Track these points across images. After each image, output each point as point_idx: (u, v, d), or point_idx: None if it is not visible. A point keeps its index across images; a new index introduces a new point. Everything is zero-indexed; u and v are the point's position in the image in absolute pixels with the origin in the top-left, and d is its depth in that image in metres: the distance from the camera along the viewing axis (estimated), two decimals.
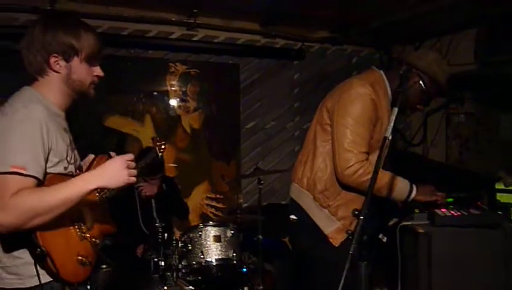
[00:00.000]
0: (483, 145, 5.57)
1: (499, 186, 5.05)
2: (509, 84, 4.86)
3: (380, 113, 2.84)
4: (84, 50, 2.19)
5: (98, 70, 2.34)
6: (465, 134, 5.76)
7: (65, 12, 2.47)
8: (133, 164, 2.15)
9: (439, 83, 2.91)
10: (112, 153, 2.40)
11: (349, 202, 2.84)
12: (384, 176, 2.74)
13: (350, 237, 1.98)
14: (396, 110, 2.20)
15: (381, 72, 2.99)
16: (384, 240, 2.80)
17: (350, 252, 1.93)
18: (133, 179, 2.12)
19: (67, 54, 2.14)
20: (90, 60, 2.25)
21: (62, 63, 2.14)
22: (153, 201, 4.46)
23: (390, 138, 2.14)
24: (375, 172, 2.13)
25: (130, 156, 2.18)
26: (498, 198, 4.77)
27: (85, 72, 2.24)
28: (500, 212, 2.85)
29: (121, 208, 4.32)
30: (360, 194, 2.81)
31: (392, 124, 2.15)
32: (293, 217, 2.98)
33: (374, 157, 2.79)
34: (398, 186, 2.78)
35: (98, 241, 2.22)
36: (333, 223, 2.84)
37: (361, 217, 1.99)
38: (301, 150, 3.13)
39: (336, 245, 2.82)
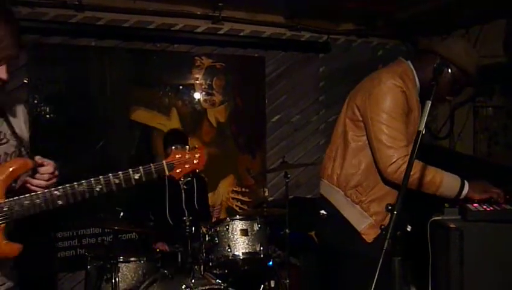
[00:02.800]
0: (511, 138, 5.50)
1: None
2: None
3: (411, 104, 2.79)
4: None
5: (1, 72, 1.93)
6: (493, 127, 5.68)
7: None
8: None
9: (469, 73, 2.83)
10: (37, 158, 2.15)
11: (381, 197, 2.79)
12: (429, 172, 2.68)
13: (383, 233, 1.96)
14: (429, 103, 2.16)
15: (409, 62, 2.93)
16: (409, 229, 2.76)
17: (384, 248, 1.90)
18: None
19: None
20: None
21: None
22: (183, 193, 4.47)
23: (423, 131, 2.11)
24: (409, 166, 2.10)
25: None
26: None
27: None
28: None
29: (150, 197, 4.40)
30: (394, 189, 2.77)
31: (425, 118, 2.12)
32: (323, 212, 2.95)
33: (409, 149, 2.76)
34: (445, 182, 2.71)
35: None
36: (366, 219, 2.80)
37: (395, 212, 1.96)
38: (329, 145, 3.08)
39: (369, 241, 2.78)
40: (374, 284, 1.85)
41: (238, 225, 3.89)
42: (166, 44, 5.27)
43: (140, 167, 2.14)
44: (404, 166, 2.60)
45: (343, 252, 2.89)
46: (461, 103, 5.85)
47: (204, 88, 5.47)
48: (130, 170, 2.15)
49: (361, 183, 2.81)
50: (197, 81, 5.44)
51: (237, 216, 4.03)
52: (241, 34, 5.56)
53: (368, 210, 2.80)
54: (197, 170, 2.32)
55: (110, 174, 2.16)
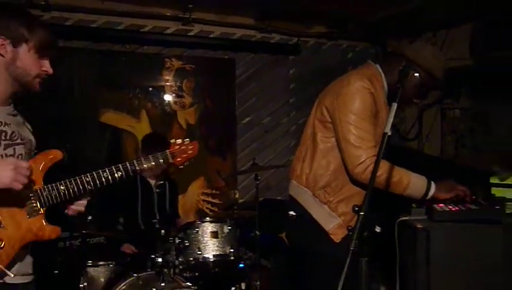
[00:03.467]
0: (478, 140, 5.59)
1: (494, 180, 5.09)
2: (504, 80, 4.87)
3: (379, 106, 2.82)
4: (35, 40, 2.16)
5: (47, 65, 2.30)
6: (460, 129, 5.77)
7: (18, 4, 2.47)
8: (26, 172, 2.10)
9: (435, 76, 2.88)
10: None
11: (349, 197, 2.82)
12: (396, 173, 2.72)
13: (350, 233, 1.97)
14: (395, 105, 2.19)
15: (377, 65, 2.97)
16: (378, 230, 2.78)
17: (351, 249, 1.92)
18: (18, 185, 2.04)
19: (16, 40, 2.12)
20: (40, 52, 2.22)
21: (9, 47, 2.12)
22: (155, 197, 4.45)
23: (390, 133, 2.13)
24: (376, 167, 2.12)
25: (26, 164, 2.14)
26: (493, 192, 4.81)
27: (31, 62, 2.20)
28: (498, 207, 2.84)
29: (122, 201, 4.36)
30: (362, 188, 2.79)
31: (391, 120, 2.14)
32: (292, 213, 2.96)
33: (377, 150, 2.78)
34: (412, 183, 2.75)
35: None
36: (334, 219, 2.82)
37: (362, 213, 1.98)
38: (299, 146, 3.09)
39: (337, 241, 2.80)
40: (340, 284, 1.86)
41: (208, 227, 3.87)
42: (136, 45, 5.24)
43: (150, 156, 2.45)
44: (372, 166, 2.64)
45: (312, 253, 2.90)
46: (429, 105, 5.93)
47: (174, 90, 5.44)
48: (142, 158, 2.46)
49: (329, 183, 2.83)
50: (167, 83, 5.41)
51: (207, 218, 4.01)
52: (211, 35, 5.56)
53: (336, 210, 2.83)
54: (187, 162, 2.60)
55: (127, 162, 2.45)
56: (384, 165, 2.69)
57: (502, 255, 2.71)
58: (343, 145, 2.75)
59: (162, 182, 4.51)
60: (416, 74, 2.86)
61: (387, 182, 2.70)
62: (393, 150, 2.40)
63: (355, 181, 2.79)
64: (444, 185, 2.85)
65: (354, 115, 2.73)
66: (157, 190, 4.47)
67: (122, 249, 4.22)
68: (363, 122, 2.73)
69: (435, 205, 2.77)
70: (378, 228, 2.64)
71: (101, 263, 3.80)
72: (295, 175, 2.99)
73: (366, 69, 2.96)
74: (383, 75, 2.92)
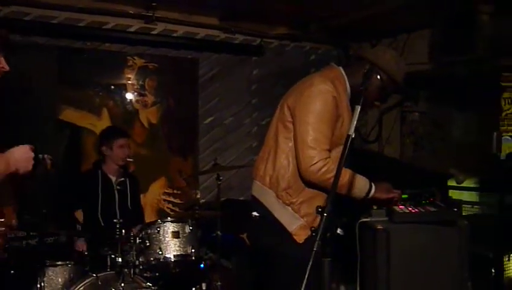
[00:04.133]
0: (436, 143, 5.71)
1: (451, 183, 5.22)
2: (461, 85, 5.00)
3: (341, 110, 2.85)
4: None
5: (2, 62, 2.25)
6: (419, 132, 5.89)
7: None
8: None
9: (396, 80, 2.95)
10: None
11: (312, 198, 2.84)
12: (345, 174, 2.75)
13: (314, 234, 1.99)
14: (359, 108, 2.23)
15: (340, 68, 3.00)
16: (341, 233, 2.83)
17: (314, 249, 1.94)
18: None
19: None
20: None
21: None
22: (116, 194, 4.40)
23: (353, 135, 2.16)
24: (339, 169, 2.16)
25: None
26: (450, 195, 4.94)
27: None
28: (455, 209, 2.93)
29: (82, 195, 4.31)
30: (323, 191, 2.82)
31: (355, 122, 2.18)
32: (255, 213, 2.96)
33: (334, 153, 2.80)
34: (358, 183, 2.81)
35: None
36: (297, 221, 2.83)
37: (325, 214, 2.00)
38: (262, 147, 3.11)
39: (300, 242, 2.81)
40: (303, 285, 1.87)
41: (170, 227, 3.85)
42: (97, 43, 5.16)
43: None
44: (325, 168, 2.70)
45: (275, 254, 2.92)
46: (389, 108, 6.03)
47: (137, 88, 5.39)
48: None
49: (291, 185, 2.85)
50: (129, 82, 5.35)
51: (168, 218, 3.98)
52: (175, 35, 5.52)
53: (298, 211, 2.84)
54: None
55: None
56: (332, 166, 2.72)
57: (459, 255, 2.79)
58: (299, 144, 2.78)
59: (122, 179, 4.47)
60: (378, 77, 2.92)
61: (340, 183, 2.73)
62: (354, 152, 2.44)
63: (307, 182, 2.81)
64: (381, 186, 2.92)
65: (314, 117, 2.76)
66: (118, 187, 4.42)
67: (76, 246, 4.16)
68: (322, 124, 2.76)
69: (395, 207, 2.83)
70: (340, 230, 2.68)
71: (59, 262, 3.72)
72: (258, 175, 3.00)
73: (329, 71, 2.99)
74: (346, 78, 2.96)
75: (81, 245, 4.16)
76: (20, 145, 2.14)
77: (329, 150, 2.78)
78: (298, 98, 2.86)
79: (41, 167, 2.61)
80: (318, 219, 2.73)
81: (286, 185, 2.85)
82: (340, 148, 2.81)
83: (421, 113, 5.87)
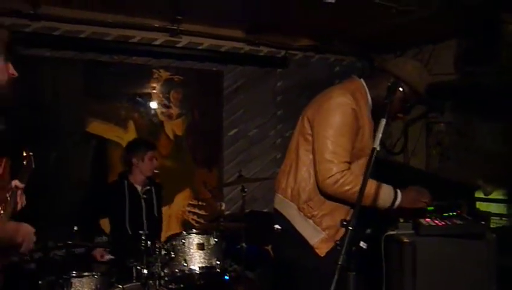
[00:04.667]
0: (462, 154, 5.64)
1: (479, 195, 5.14)
2: (488, 95, 4.94)
3: (361, 122, 2.84)
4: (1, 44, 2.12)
5: (12, 69, 2.29)
6: (445, 143, 5.82)
7: None
8: None
9: (418, 92, 2.92)
10: None
11: (333, 211, 2.82)
12: (370, 185, 2.72)
13: (338, 248, 1.98)
14: (384, 121, 2.21)
15: (362, 80, 2.99)
16: (365, 247, 2.80)
17: (339, 263, 1.93)
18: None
19: None
20: (6, 56, 2.18)
21: None
22: (143, 203, 4.44)
23: (378, 148, 2.15)
24: (364, 182, 2.14)
25: None
26: (478, 206, 4.86)
27: (1, 68, 2.17)
28: (483, 222, 2.88)
29: (109, 206, 4.36)
30: (344, 203, 2.81)
31: (380, 135, 2.17)
32: (277, 226, 2.96)
33: (355, 166, 2.80)
34: (383, 194, 2.78)
35: None
36: (318, 234, 2.82)
37: (350, 228, 1.99)
38: (284, 159, 3.10)
39: (322, 255, 2.80)
40: None
41: (195, 239, 3.86)
42: (124, 56, 5.23)
43: None
44: (342, 180, 2.68)
45: (296, 267, 2.90)
46: (414, 119, 5.99)
47: (162, 101, 5.44)
48: None
49: (312, 197, 2.84)
50: (155, 94, 5.41)
51: (193, 230, 4.01)
52: (200, 47, 5.57)
53: (320, 224, 2.83)
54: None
55: None
56: (357, 178, 2.70)
57: (486, 269, 2.75)
58: (317, 157, 2.77)
59: (148, 187, 4.52)
60: (400, 89, 2.89)
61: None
62: (379, 164, 2.42)
63: (325, 194, 2.80)
64: (408, 195, 2.86)
65: (333, 130, 2.75)
66: (144, 196, 4.47)
67: (94, 253, 4.20)
68: (341, 137, 2.74)
69: (422, 220, 2.81)
70: (363, 243, 2.66)
71: (86, 273, 3.76)
72: (280, 188, 3.00)
73: (349, 83, 2.99)
74: (367, 89, 2.95)
75: (99, 253, 4.19)
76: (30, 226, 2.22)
77: (349, 163, 2.76)
78: (317, 110, 2.86)
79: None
80: (340, 232, 2.76)
81: (307, 198, 2.85)
82: (362, 160, 2.82)
83: (447, 123, 5.81)
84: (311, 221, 2.84)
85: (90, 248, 4.30)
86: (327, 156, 2.71)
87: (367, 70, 6.29)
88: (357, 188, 2.64)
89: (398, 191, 2.83)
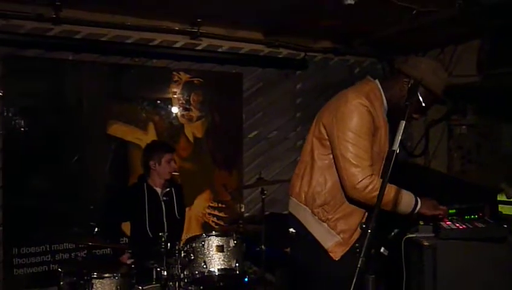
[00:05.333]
0: (485, 156, 5.58)
1: (501, 197, 5.07)
2: (511, 96, 4.88)
3: (378, 124, 2.81)
4: None
5: None
6: (467, 145, 5.76)
7: None
8: None
9: (434, 92, 2.86)
10: None
11: (348, 215, 2.81)
12: (390, 190, 2.70)
13: (357, 251, 1.97)
14: (404, 123, 2.19)
15: (377, 81, 2.96)
16: (386, 253, 2.79)
17: (358, 266, 1.92)
18: None
19: None
20: None
21: None
22: (163, 205, 4.46)
23: (398, 151, 2.14)
24: (383, 186, 2.13)
25: None
26: (500, 209, 4.80)
27: None
28: (505, 225, 2.84)
29: (129, 209, 4.39)
30: (361, 207, 2.79)
31: (399, 137, 2.15)
32: (292, 230, 2.95)
33: (374, 168, 2.78)
34: (404, 199, 2.74)
35: None
36: (333, 237, 2.80)
37: (369, 231, 1.98)
38: (298, 163, 3.08)
39: (336, 259, 2.78)
40: None
41: (214, 241, 3.86)
42: (144, 59, 5.27)
43: None
44: (371, 186, 2.66)
45: (311, 270, 2.90)
46: (436, 121, 5.94)
47: (182, 103, 5.47)
48: None
49: (327, 201, 2.82)
50: (175, 96, 5.43)
51: (213, 232, 4.00)
52: (219, 50, 5.59)
53: (335, 228, 2.81)
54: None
55: None
56: (378, 183, 2.68)
57: (508, 272, 2.71)
58: (341, 163, 2.74)
59: (168, 189, 4.53)
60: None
61: (384, 199, 2.63)
62: (400, 166, 2.39)
63: (351, 199, 2.78)
64: (428, 202, 2.85)
65: (352, 133, 2.73)
66: (164, 198, 4.49)
67: (122, 259, 4.23)
68: (361, 140, 2.72)
69: (442, 223, 2.78)
70: (384, 249, 2.65)
71: (107, 275, 3.79)
72: (294, 192, 2.99)
73: (364, 85, 2.95)
74: (382, 91, 2.91)
75: (125, 258, 4.23)
76: None
77: (371, 166, 2.74)
78: (334, 115, 2.83)
79: None
80: (354, 236, 2.75)
81: (322, 202, 2.83)
82: (379, 163, 2.81)
83: (469, 126, 5.75)
84: (325, 224, 2.83)
85: (117, 252, 4.34)
86: (352, 160, 2.69)
87: (387, 72, 6.25)
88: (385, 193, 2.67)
89: (418, 198, 2.80)
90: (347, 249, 2.77)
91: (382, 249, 2.77)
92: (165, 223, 4.38)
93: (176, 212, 4.54)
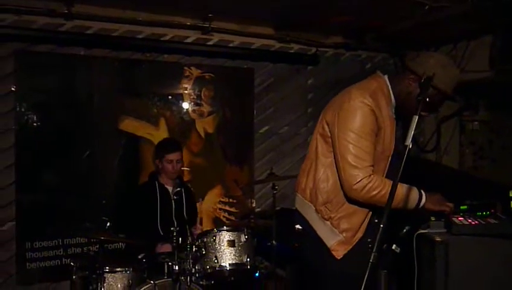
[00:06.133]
0: (497, 152, 5.55)
1: None
2: None
3: (381, 123, 2.77)
4: None
5: None
6: (479, 141, 5.73)
7: None
8: None
9: (441, 90, 2.75)
10: None
11: (351, 214, 2.79)
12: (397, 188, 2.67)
13: (370, 246, 1.97)
14: (416, 118, 2.18)
15: (385, 77, 2.92)
16: (398, 251, 2.78)
17: (370, 261, 1.91)
18: None
19: None
20: None
21: None
22: (173, 203, 4.49)
23: (410, 146, 2.13)
24: (394, 182, 2.12)
25: None
26: None
27: None
28: None
29: (141, 207, 4.41)
30: (363, 206, 2.77)
31: (412, 132, 2.14)
32: (298, 226, 2.95)
33: (377, 168, 2.75)
34: (407, 195, 2.71)
35: None
36: (335, 236, 2.78)
37: (381, 226, 1.98)
38: (305, 159, 3.07)
39: (338, 258, 2.76)
40: None
41: (225, 235, 3.88)
42: (156, 54, 5.28)
43: None
44: (369, 185, 2.64)
45: (316, 268, 2.89)
46: (448, 117, 5.91)
47: (193, 98, 5.47)
48: None
49: (330, 199, 2.81)
50: (186, 92, 5.44)
51: (224, 227, 4.01)
52: (231, 45, 5.58)
53: (337, 227, 2.79)
54: None
55: None
56: (383, 182, 2.67)
57: None
58: (340, 163, 2.72)
59: (179, 189, 4.56)
60: (416, 84, 2.78)
61: (384, 198, 2.61)
62: (411, 161, 2.37)
63: (351, 200, 2.75)
64: (433, 197, 2.82)
65: (353, 133, 2.69)
66: (175, 197, 4.52)
67: (159, 249, 4.25)
68: (362, 140, 2.69)
69: (454, 219, 2.77)
70: (395, 246, 2.64)
71: (119, 269, 3.82)
72: (300, 188, 2.98)
73: (371, 81, 2.91)
74: (390, 87, 2.87)
75: (166, 247, 4.24)
76: None
77: (373, 166, 2.71)
78: (336, 113, 2.79)
79: None
80: (358, 235, 2.74)
81: (325, 200, 2.82)
82: (383, 163, 2.78)
83: (481, 122, 5.72)
84: (328, 223, 2.81)
85: (129, 247, 4.36)
86: (351, 161, 2.67)
87: (399, 67, 6.22)
88: (384, 191, 2.64)
89: (423, 191, 2.77)
90: (350, 247, 2.76)
91: (394, 246, 2.77)
92: (175, 221, 4.40)
93: (185, 213, 4.56)
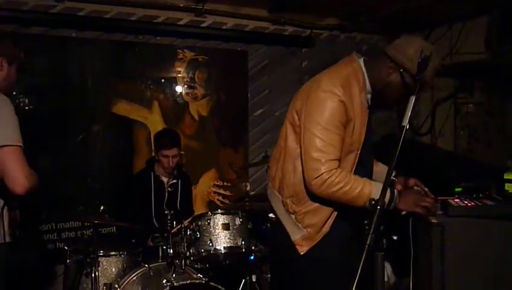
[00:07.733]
0: (492, 135, 5.55)
1: (508, 176, 5.05)
2: None
3: (352, 114, 2.61)
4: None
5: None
6: (474, 124, 5.73)
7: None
8: None
9: (422, 79, 2.45)
10: None
11: (316, 210, 2.67)
12: (358, 184, 2.54)
13: (366, 227, 1.95)
14: (413, 98, 2.16)
15: (361, 61, 2.77)
16: (395, 238, 2.76)
17: (367, 243, 1.89)
18: None
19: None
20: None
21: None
22: (166, 195, 4.51)
23: (407, 126, 2.10)
24: (391, 165, 2.09)
25: None
26: (506, 188, 4.78)
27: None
28: None
29: (136, 198, 4.39)
30: (327, 202, 2.64)
31: (409, 113, 2.11)
32: (271, 215, 2.87)
33: (344, 162, 2.63)
34: (374, 195, 2.40)
35: None
36: (299, 231, 2.69)
37: (378, 207, 1.96)
38: (275, 147, 2.94)
39: (301, 253, 2.69)
40: (356, 280, 1.84)
41: (220, 219, 3.86)
42: (149, 36, 5.22)
43: None
44: (330, 180, 2.50)
45: (284, 259, 2.87)
46: (443, 99, 5.89)
47: (187, 81, 5.43)
48: None
49: (296, 193, 2.70)
50: (179, 74, 5.39)
51: (219, 210, 3.99)
52: (224, 27, 5.52)
53: (301, 222, 2.70)
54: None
55: None
56: (346, 176, 2.54)
57: None
58: (303, 155, 2.60)
59: (175, 181, 4.57)
60: (396, 74, 2.63)
61: (348, 194, 2.54)
62: (406, 144, 2.31)
63: (311, 194, 2.63)
64: (408, 198, 2.65)
65: (320, 125, 2.55)
66: (169, 189, 4.52)
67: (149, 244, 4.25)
68: (329, 133, 2.55)
69: (450, 200, 2.75)
70: (395, 236, 2.61)
71: (113, 253, 3.82)
72: (271, 177, 2.89)
73: (343, 67, 2.76)
74: (365, 71, 2.72)
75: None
76: None
77: (339, 160, 2.58)
78: (304, 102, 2.65)
79: None
80: (323, 230, 2.65)
81: (291, 193, 2.71)
82: (352, 155, 2.66)
83: (476, 104, 5.70)
84: (293, 216, 2.71)
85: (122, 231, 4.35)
86: (314, 154, 2.54)
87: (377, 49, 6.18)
88: (347, 188, 2.51)
89: (396, 192, 2.63)
90: (313, 244, 2.67)
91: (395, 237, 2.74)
92: (166, 208, 4.39)
93: (178, 204, 4.55)
